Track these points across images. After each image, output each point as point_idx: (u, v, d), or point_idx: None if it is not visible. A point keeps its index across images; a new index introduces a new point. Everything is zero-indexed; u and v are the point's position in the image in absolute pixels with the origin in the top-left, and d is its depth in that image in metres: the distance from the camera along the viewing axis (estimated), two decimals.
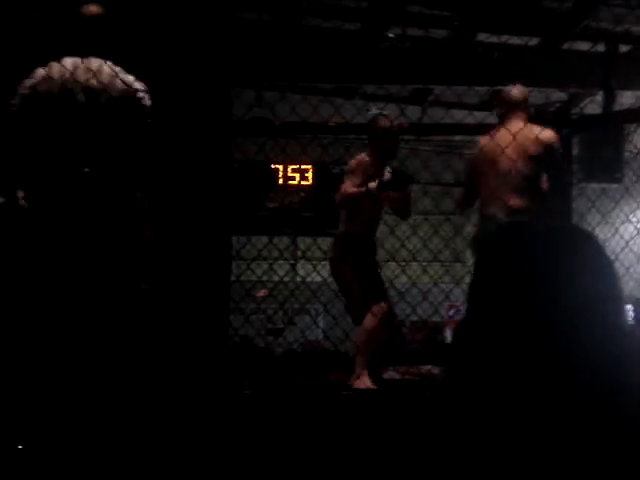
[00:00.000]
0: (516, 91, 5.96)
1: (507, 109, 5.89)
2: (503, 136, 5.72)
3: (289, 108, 5.61)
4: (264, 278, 8.92)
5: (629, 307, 9.16)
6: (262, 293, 9.08)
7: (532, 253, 1.30)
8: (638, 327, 9.04)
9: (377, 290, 6.07)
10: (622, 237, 6.66)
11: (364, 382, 5.67)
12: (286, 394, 5.16)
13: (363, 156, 6.07)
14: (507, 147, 5.63)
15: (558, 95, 8.57)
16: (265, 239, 7.51)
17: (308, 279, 9.77)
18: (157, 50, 4.89)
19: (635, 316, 10.53)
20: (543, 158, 5.77)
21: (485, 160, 5.81)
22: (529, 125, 5.82)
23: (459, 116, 8.10)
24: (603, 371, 1.26)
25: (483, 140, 5.92)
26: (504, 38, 7.71)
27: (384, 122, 6.06)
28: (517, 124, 5.76)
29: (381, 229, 6.96)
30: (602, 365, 1.26)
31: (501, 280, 1.30)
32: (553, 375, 1.25)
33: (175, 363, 4.78)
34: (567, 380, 1.25)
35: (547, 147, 5.79)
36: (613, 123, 8.03)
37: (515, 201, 5.73)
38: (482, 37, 8.43)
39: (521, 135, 5.69)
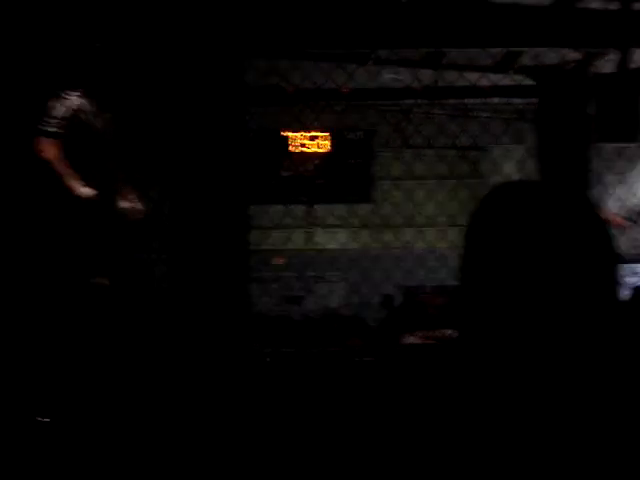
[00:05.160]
0: None
1: None
2: None
3: (302, 75, 5.60)
4: (281, 246, 8.94)
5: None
6: (280, 261, 9.09)
7: (526, 213, 1.31)
8: None
9: None
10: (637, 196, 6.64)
11: None
12: (308, 360, 5.20)
13: None
14: None
15: (573, 55, 8.50)
16: (281, 207, 7.52)
17: (326, 246, 9.80)
18: (172, 25, 4.88)
19: None
20: None
21: None
22: None
23: (473, 79, 8.06)
24: (593, 334, 1.27)
25: None
26: None
27: None
28: None
29: (396, 194, 6.95)
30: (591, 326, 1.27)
31: (495, 240, 1.31)
32: (547, 338, 1.27)
33: (199, 335, 4.81)
34: (559, 344, 1.27)
35: None
36: (629, 82, 7.97)
37: None
38: None
39: None
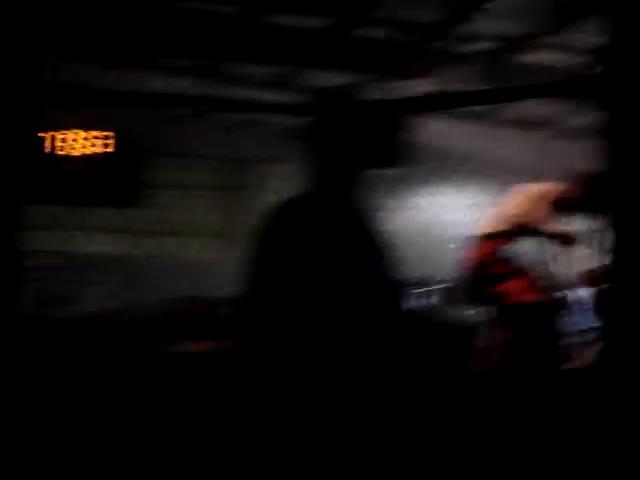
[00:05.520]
0: None
1: None
2: None
3: (92, 76, 5.53)
4: (46, 248, 8.72)
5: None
6: (43, 263, 8.85)
7: (303, 228, 1.40)
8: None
9: None
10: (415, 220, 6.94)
11: None
12: (69, 362, 5.15)
13: None
14: None
15: (345, 78, 8.80)
16: (54, 208, 7.32)
17: (86, 250, 9.60)
18: None
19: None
20: None
21: None
22: None
23: (251, 94, 8.21)
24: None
25: None
26: (295, 20, 7.82)
27: None
28: None
29: (162, 202, 6.89)
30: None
31: (274, 254, 1.39)
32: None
33: None
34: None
35: None
36: (395, 111, 8.35)
37: None
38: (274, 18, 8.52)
39: None
